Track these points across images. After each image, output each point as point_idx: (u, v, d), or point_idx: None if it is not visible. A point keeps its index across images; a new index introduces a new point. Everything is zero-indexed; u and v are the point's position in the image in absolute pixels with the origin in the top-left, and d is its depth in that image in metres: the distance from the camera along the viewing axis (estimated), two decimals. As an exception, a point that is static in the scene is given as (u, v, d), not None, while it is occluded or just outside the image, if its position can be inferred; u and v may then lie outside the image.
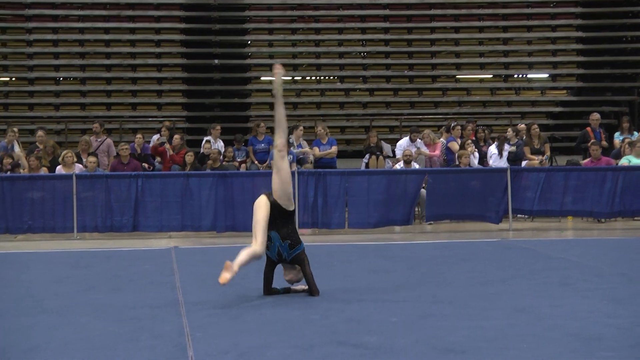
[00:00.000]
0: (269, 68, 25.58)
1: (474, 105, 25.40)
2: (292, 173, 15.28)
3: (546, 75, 26.26)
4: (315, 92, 25.75)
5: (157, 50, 25.38)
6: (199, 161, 17.43)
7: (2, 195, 14.74)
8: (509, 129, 19.16)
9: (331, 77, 26.11)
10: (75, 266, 11.02)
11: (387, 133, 23.64)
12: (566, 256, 11.22)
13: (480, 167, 17.49)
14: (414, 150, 17.84)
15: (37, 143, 17.49)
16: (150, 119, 24.12)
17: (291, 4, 26.19)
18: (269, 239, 8.14)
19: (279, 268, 8.37)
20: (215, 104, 25.37)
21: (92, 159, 16.20)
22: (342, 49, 25.92)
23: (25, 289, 9.10)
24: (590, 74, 25.91)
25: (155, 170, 17.29)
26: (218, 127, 18.86)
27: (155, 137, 18.50)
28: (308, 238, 14.33)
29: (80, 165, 16.25)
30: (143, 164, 17.35)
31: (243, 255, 7.94)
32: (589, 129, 18.59)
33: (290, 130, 18.65)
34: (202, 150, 17.91)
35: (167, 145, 17.60)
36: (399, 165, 17.39)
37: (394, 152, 18.86)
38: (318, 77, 26.12)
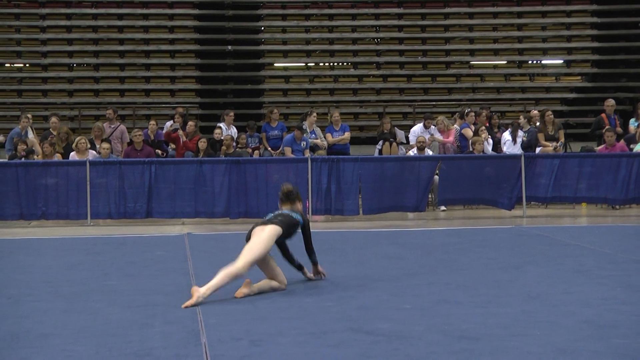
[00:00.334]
0: (283, 54, 25.58)
1: (488, 92, 25.29)
2: (306, 160, 15.28)
3: (561, 61, 26.14)
4: (328, 78, 25.72)
5: (171, 36, 25.39)
6: (212, 147, 17.43)
7: (16, 181, 14.76)
8: (521, 116, 19.08)
9: (344, 64, 26.06)
10: (88, 252, 11.04)
11: (401, 119, 23.59)
12: (580, 243, 11.18)
13: (494, 153, 17.43)
14: (427, 136, 17.78)
15: (50, 129, 17.51)
16: (163, 105, 24.15)
17: (305, -10, 26.17)
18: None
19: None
20: (228, 90, 25.35)
21: (105, 145, 16.19)
22: (355, 35, 25.86)
23: (39, 275, 9.13)
24: (605, 60, 25.77)
25: (169, 157, 17.30)
26: (231, 114, 18.85)
27: (169, 123, 18.52)
28: (321, 225, 14.36)
29: (94, 152, 16.26)
30: (156, 150, 17.36)
31: (221, 277, 7.42)
32: (603, 115, 18.50)
33: (304, 117, 18.63)
34: (213, 136, 17.90)
35: (180, 132, 17.60)
36: (413, 152, 17.34)
37: (407, 138, 18.82)
38: (331, 64, 26.07)
